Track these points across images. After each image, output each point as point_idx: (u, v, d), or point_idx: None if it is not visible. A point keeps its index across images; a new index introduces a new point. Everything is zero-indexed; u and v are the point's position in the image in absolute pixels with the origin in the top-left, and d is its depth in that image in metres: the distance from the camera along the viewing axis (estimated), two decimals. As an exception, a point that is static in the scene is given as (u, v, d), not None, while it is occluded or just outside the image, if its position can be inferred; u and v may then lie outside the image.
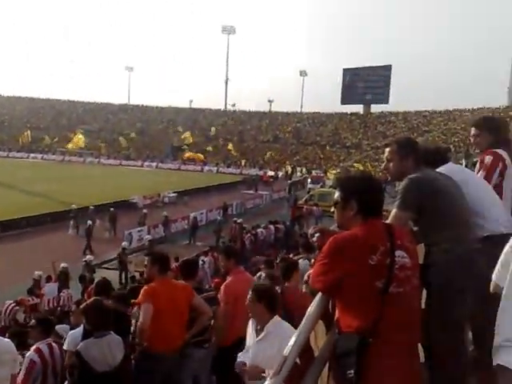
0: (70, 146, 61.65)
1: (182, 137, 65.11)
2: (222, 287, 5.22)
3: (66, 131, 72.53)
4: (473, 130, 3.90)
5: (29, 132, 69.65)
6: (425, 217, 2.89)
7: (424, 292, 2.73)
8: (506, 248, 2.49)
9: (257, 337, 3.68)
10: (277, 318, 3.67)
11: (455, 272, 2.79)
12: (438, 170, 3.19)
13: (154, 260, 4.76)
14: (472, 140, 3.95)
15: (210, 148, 64.08)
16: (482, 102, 64.62)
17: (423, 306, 2.69)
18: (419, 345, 2.45)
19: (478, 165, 3.70)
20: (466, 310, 2.89)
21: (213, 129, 71.02)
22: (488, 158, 3.61)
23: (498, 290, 2.47)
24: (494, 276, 2.54)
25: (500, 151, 3.64)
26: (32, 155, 65.36)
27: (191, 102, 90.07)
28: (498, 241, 2.95)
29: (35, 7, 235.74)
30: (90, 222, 22.11)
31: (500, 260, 2.50)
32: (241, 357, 3.76)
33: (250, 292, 3.69)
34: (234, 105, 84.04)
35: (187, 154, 60.17)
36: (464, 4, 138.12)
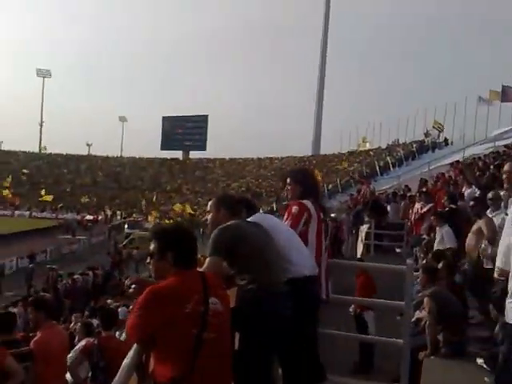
0: None
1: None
2: (32, 344, 4.76)
3: None
4: (285, 182, 4.26)
5: None
6: (235, 261, 3.04)
7: (237, 334, 2.92)
8: (504, 238, 2.84)
9: None
10: None
11: (263, 313, 2.95)
12: (249, 219, 3.46)
13: None
14: (284, 191, 4.32)
15: (23, 191, 60.09)
16: (290, 151, 69.67)
17: (237, 347, 2.88)
18: None
19: (286, 213, 3.99)
20: (274, 349, 3.11)
21: (26, 171, 66.83)
22: (295, 209, 3.90)
23: (504, 273, 2.83)
24: (498, 263, 2.95)
25: (306, 202, 3.95)
26: None
27: (1, 143, 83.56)
28: (302, 283, 3.44)
29: None
30: None
31: (499, 250, 2.91)
32: None
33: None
34: (45, 148, 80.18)
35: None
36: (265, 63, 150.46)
